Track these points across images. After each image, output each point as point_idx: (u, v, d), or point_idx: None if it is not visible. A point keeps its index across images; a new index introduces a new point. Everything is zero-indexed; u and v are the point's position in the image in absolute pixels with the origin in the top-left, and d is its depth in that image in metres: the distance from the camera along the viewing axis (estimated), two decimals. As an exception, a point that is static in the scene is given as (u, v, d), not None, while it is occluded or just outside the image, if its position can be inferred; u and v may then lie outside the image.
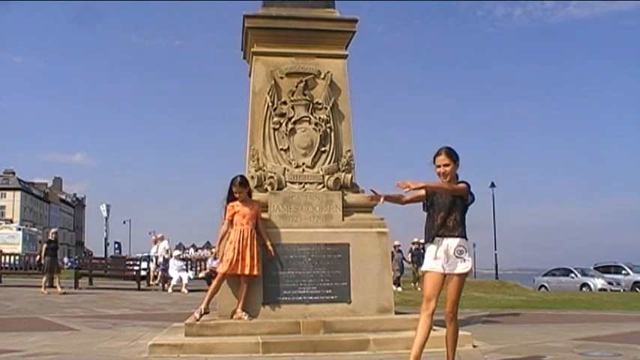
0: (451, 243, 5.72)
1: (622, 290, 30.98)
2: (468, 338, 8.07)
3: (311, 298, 8.69)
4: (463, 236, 5.78)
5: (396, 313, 9.01)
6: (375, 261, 8.93)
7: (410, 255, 25.15)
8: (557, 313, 14.47)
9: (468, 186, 5.85)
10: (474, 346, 8.02)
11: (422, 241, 23.66)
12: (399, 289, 22.27)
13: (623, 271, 33.96)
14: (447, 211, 5.77)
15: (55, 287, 19.57)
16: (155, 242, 27.14)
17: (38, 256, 22.31)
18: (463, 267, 5.71)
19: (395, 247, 23.61)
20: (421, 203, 6.02)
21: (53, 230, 23.08)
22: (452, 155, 5.87)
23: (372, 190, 6.02)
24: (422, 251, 24.56)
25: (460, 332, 7.25)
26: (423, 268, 5.93)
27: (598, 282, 32.39)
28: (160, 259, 25.21)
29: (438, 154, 5.90)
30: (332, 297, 8.73)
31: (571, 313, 14.44)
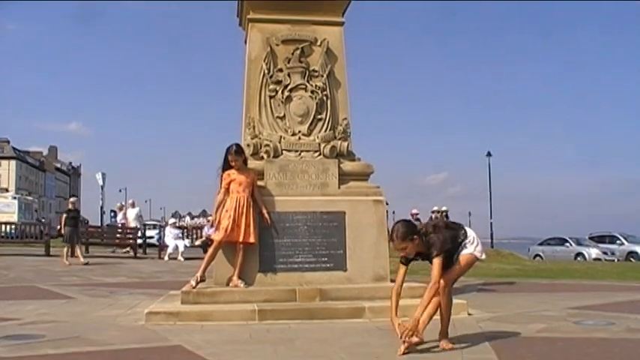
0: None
1: (616, 260, 31.13)
2: (463, 306, 8.11)
3: (307, 266, 8.70)
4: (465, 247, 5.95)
5: (392, 281, 9.01)
6: (371, 229, 8.93)
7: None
8: (552, 282, 14.53)
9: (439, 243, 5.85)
10: (469, 314, 8.06)
11: (444, 208, 23.05)
12: None
13: (618, 241, 34.13)
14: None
15: (77, 257, 18.93)
16: (120, 209, 27.18)
17: (58, 226, 21.50)
18: (465, 251, 5.94)
19: (412, 215, 22.34)
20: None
21: (72, 199, 21.87)
22: (405, 237, 5.82)
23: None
24: (445, 220, 24.24)
25: (455, 300, 7.27)
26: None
27: (592, 251, 32.58)
28: (133, 225, 25.27)
29: (390, 238, 6.02)
30: (328, 265, 8.74)
31: (565, 283, 14.50)
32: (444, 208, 23.34)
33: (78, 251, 19.30)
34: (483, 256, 6.12)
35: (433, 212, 23.28)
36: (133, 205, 26.96)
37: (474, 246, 5.99)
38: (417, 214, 22.87)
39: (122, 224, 26.37)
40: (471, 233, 6.05)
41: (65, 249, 19.20)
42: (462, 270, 6.04)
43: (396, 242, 5.85)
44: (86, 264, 18.30)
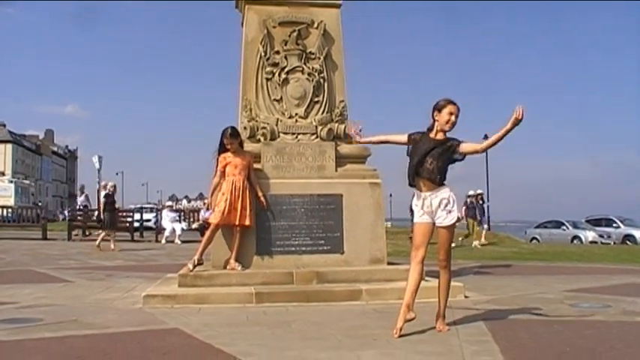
0: (438, 194, 5.84)
1: (612, 243, 31.21)
2: (460, 289, 8.13)
3: (304, 248, 8.70)
4: (441, 184, 5.86)
5: (389, 263, 9.04)
6: (368, 212, 8.93)
7: (464, 209, 22.17)
8: (548, 265, 14.58)
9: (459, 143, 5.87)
10: (466, 297, 8.08)
11: (479, 191, 23.15)
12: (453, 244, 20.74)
13: (614, 224, 34.20)
14: (424, 156, 5.84)
15: (109, 242, 18.19)
16: (81, 193, 27.01)
17: (97, 211, 20.95)
18: (450, 218, 5.87)
19: None
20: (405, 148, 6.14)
21: (111, 183, 20.49)
22: (457, 106, 5.96)
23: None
24: (481, 203, 23.59)
25: (452, 283, 7.28)
26: (414, 220, 6.05)
27: (589, 234, 32.64)
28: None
29: (447, 103, 5.95)
30: (325, 248, 8.74)
31: (562, 265, 14.55)
32: (479, 192, 23.61)
33: (111, 237, 18.54)
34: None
35: (469, 197, 23.12)
36: (105, 188, 26.69)
37: (455, 210, 5.97)
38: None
39: (84, 207, 25.86)
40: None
41: (102, 234, 18.40)
42: (451, 238, 6.04)
43: (455, 107, 5.91)
44: (119, 250, 17.80)
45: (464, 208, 22.21)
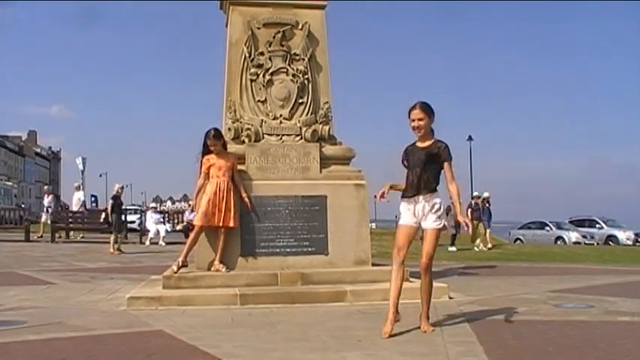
0: (427, 199, 5.93)
1: (596, 244, 31.43)
2: (444, 290, 8.15)
3: (288, 250, 8.70)
4: (435, 190, 5.98)
5: (373, 264, 9.05)
6: (353, 213, 8.94)
7: (469, 211, 21.32)
8: (532, 266, 14.65)
9: (447, 147, 5.97)
10: (450, 298, 8.10)
11: (485, 195, 22.50)
12: (453, 248, 20.13)
13: (597, 225, 34.45)
14: (422, 168, 5.93)
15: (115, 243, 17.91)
16: (47, 194, 26.79)
17: (104, 214, 20.27)
18: (439, 222, 5.96)
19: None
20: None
21: (118, 185, 19.84)
22: (426, 109, 5.98)
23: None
24: (488, 206, 22.69)
25: (436, 284, 7.32)
26: (400, 222, 6.12)
27: (572, 235, 32.87)
28: (76, 209, 24.80)
29: (412, 107, 6.00)
30: (309, 249, 8.75)
31: (545, 266, 14.63)
32: (485, 194, 22.87)
33: (112, 238, 18.19)
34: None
35: (473, 198, 22.68)
36: (77, 189, 26.43)
37: (444, 218, 6.10)
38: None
39: (47, 209, 25.61)
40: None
41: (112, 237, 18.06)
42: (436, 242, 6.02)
43: (417, 110, 5.95)
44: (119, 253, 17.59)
45: (469, 210, 21.37)
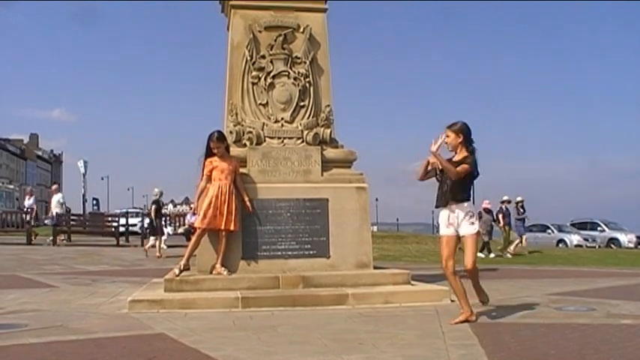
0: (461, 208, 6.71)
1: (597, 246, 31.41)
2: (446, 293, 8.14)
3: (290, 253, 8.70)
4: (468, 200, 6.81)
5: (375, 267, 9.05)
6: (354, 216, 8.94)
7: (501, 216, 20.74)
8: (534, 269, 14.64)
9: (474, 161, 6.77)
10: (452, 301, 8.07)
11: (519, 199, 21.52)
12: (491, 255, 19.27)
13: (599, 228, 34.43)
14: (454, 180, 6.67)
15: (155, 248, 18.01)
16: (30, 194, 26.49)
17: (148, 219, 19.87)
18: (473, 229, 6.73)
19: (484, 209, 20.14)
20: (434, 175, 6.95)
21: (158, 189, 19.49)
22: (454, 129, 6.81)
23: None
24: (522, 212, 21.76)
25: (438, 287, 7.32)
26: (440, 233, 6.96)
27: (574, 238, 32.86)
28: (53, 212, 24.15)
29: (447, 126, 6.87)
30: (311, 252, 8.75)
31: (547, 269, 14.62)
32: (518, 199, 21.91)
33: (157, 243, 18.37)
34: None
35: (503, 202, 21.28)
36: (56, 191, 26.16)
37: (477, 221, 6.90)
38: (488, 206, 20.79)
39: (31, 209, 24.94)
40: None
41: (158, 242, 18.21)
42: (476, 245, 6.90)
43: (446, 130, 6.81)
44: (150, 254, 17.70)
45: (499, 215, 20.78)
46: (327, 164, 9.14)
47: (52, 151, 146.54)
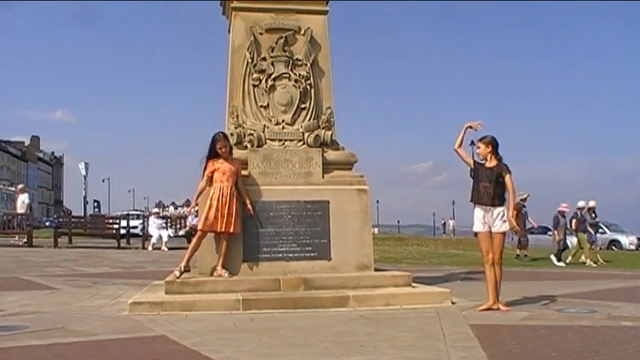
0: (495, 210, 7.73)
1: (598, 248, 31.33)
2: (447, 295, 8.15)
3: (291, 255, 8.70)
4: (502, 204, 7.77)
5: (376, 269, 9.05)
6: (355, 218, 8.94)
7: (574, 222, 19.60)
8: (535, 271, 14.64)
9: (506, 166, 7.83)
10: (453, 303, 8.09)
11: (592, 204, 20.34)
12: (560, 263, 18.30)
13: (600, 230, 34.33)
14: (493, 184, 7.72)
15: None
16: (20, 193, 25.78)
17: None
18: (504, 227, 7.77)
19: (560, 212, 19.58)
20: (468, 169, 8.05)
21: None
22: (485, 142, 7.92)
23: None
24: (594, 217, 20.92)
25: (439, 289, 7.31)
26: (475, 229, 8.03)
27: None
28: (20, 212, 23.83)
29: (479, 139, 8.02)
30: (312, 254, 8.75)
31: (548, 271, 14.61)
32: (591, 204, 20.81)
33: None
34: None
35: (579, 209, 20.04)
36: (22, 192, 25.83)
37: (507, 222, 7.80)
38: (564, 210, 19.98)
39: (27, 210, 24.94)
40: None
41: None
42: (503, 242, 7.97)
43: (477, 142, 8.05)
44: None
45: (573, 221, 19.67)
46: (327, 166, 9.14)
47: (53, 153, 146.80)
